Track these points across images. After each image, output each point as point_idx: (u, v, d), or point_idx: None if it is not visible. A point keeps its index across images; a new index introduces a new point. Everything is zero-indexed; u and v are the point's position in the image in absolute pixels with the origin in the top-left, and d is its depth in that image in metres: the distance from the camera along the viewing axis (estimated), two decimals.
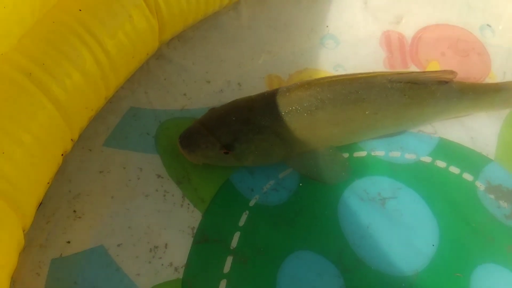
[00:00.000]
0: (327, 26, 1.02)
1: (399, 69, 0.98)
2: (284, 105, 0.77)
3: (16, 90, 0.59)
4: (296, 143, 0.78)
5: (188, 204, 0.76)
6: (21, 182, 0.59)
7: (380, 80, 0.81)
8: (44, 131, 0.60)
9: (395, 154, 0.86)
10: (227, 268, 0.72)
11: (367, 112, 0.80)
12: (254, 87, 0.91)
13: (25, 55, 0.60)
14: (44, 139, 0.60)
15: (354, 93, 0.79)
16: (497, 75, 0.98)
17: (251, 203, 0.79)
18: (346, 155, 0.86)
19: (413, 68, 0.98)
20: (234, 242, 0.75)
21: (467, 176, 0.85)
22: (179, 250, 0.72)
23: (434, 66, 0.98)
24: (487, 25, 1.05)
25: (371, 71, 0.93)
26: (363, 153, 0.86)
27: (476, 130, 0.90)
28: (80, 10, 0.65)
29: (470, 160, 0.87)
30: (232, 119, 0.76)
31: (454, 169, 0.86)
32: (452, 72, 0.86)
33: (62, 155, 0.67)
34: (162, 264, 0.71)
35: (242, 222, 0.76)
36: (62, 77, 0.62)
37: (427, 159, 0.86)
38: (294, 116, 0.76)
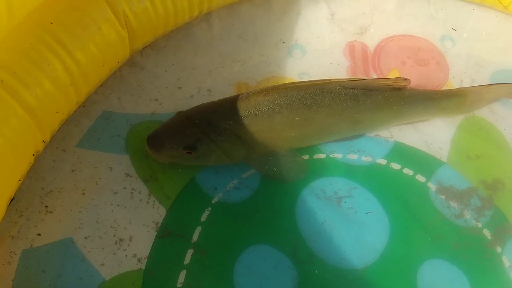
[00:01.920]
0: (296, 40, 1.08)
1: (361, 77, 1.04)
2: (244, 109, 0.83)
3: None
4: (256, 145, 0.84)
5: (154, 201, 0.82)
6: None
7: (334, 86, 0.87)
8: (15, 134, 0.66)
9: (353, 157, 0.92)
10: (187, 260, 0.78)
11: (321, 117, 0.86)
12: (224, 93, 0.96)
13: None
14: (15, 141, 0.66)
15: (309, 98, 0.85)
16: (454, 83, 1.04)
17: (214, 201, 0.84)
18: (306, 157, 0.91)
19: (374, 76, 1.04)
20: (195, 236, 0.80)
21: (420, 178, 0.91)
22: (142, 243, 0.78)
23: (394, 74, 1.04)
24: (448, 35, 1.11)
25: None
26: (322, 155, 0.92)
27: (430, 134, 0.96)
28: (51, 23, 0.71)
29: (424, 162, 0.93)
30: (195, 122, 0.82)
31: (408, 171, 0.91)
32: (405, 79, 0.92)
33: (34, 155, 0.73)
34: (126, 256, 0.76)
35: (203, 218, 0.82)
36: (33, 85, 0.68)
37: (383, 161, 0.92)
38: (253, 120, 0.82)
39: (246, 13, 1.09)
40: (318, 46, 1.07)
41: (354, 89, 0.87)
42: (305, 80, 0.99)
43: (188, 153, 0.81)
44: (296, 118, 0.84)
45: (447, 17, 1.14)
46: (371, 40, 1.09)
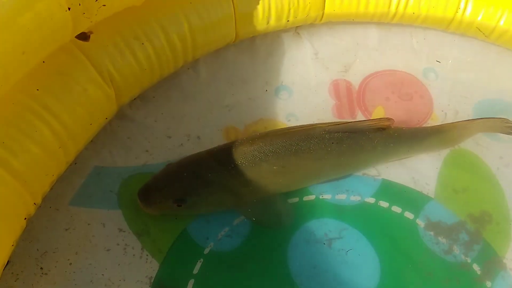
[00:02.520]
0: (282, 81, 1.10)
1: (347, 115, 1.06)
2: (231, 160, 0.85)
3: None
4: (243, 193, 0.86)
5: (147, 255, 0.84)
6: None
7: (318, 131, 0.89)
8: (5, 201, 0.68)
9: (341, 197, 0.94)
10: None
11: (307, 162, 0.88)
12: (212, 139, 0.99)
13: None
14: (5, 208, 0.68)
15: (294, 145, 0.87)
16: (439, 116, 1.06)
17: (206, 251, 0.86)
18: (296, 199, 0.93)
19: (359, 114, 1.06)
20: None
21: (408, 215, 0.92)
22: None
23: (379, 111, 1.06)
24: (431, 68, 1.14)
25: (320, 119, 1.02)
26: (312, 197, 0.94)
27: (417, 170, 0.97)
28: (37, 89, 0.74)
29: (411, 199, 0.94)
30: (183, 175, 0.84)
31: (396, 209, 0.93)
32: (389, 119, 0.93)
33: (25, 218, 0.75)
34: None
35: (196, 270, 0.83)
36: (21, 152, 0.70)
37: (371, 200, 0.94)
38: (240, 169, 0.84)
39: (232, 58, 1.12)
40: (304, 86, 1.10)
41: (338, 132, 0.89)
42: (292, 122, 1.03)
43: (178, 206, 0.82)
44: (282, 165, 0.86)
45: (429, 49, 1.17)
46: (355, 77, 1.11)
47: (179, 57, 0.99)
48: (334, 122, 0.96)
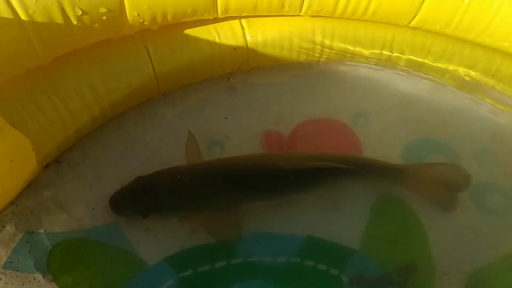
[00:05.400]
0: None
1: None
2: (192, 179, 0.97)
3: None
4: (195, 208, 0.97)
5: None
6: None
7: (263, 156, 1.01)
8: None
9: (268, 259, 0.96)
10: None
11: (244, 184, 0.97)
12: None
13: None
14: None
15: (242, 168, 0.98)
16: None
17: None
18: (223, 263, 0.95)
19: None
20: None
21: (333, 271, 0.95)
22: None
23: None
24: (361, 112, 1.15)
25: None
26: (238, 260, 0.96)
27: (343, 224, 0.99)
28: None
29: (336, 254, 0.96)
30: (150, 191, 0.95)
31: (322, 266, 0.95)
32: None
33: None
34: None
35: None
36: None
37: (297, 259, 0.96)
38: (191, 188, 0.96)
39: (161, 113, 1.13)
40: (237, 139, 1.11)
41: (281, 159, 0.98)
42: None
43: (143, 217, 0.94)
44: (223, 186, 0.96)
45: (361, 96, 1.18)
46: (286, 128, 1.13)
47: (94, 113, 1.00)
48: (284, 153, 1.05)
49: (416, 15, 0.96)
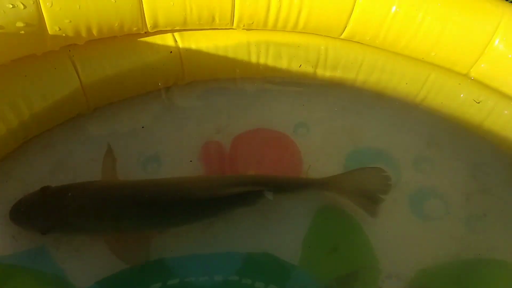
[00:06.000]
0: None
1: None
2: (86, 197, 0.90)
3: None
4: (98, 229, 0.92)
5: None
6: None
7: (171, 181, 0.96)
8: None
9: (204, 278, 0.92)
10: None
11: (158, 207, 0.92)
12: None
13: None
14: None
15: (157, 192, 0.93)
16: (310, 172, 1.07)
17: None
18: (159, 284, 0.91)
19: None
20: None
21: None
22: None
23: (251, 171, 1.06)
24: (303, 122, 1.14)
25: None
26: (175, 281, 0.92)
27: (281, 238, 0.97)
28: None
29: (275, 270, 0.94)
30: (51, 206, 0.89)
31: (260, 284, 0.92)
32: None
33: None
34: None
35: None
36: None
37: (235, 277, 0.93)
38: (94, 207, 0.90)
39: (92, 131, 1.08)
40: (174, 155, 1.07)
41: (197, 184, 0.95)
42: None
43: (42, 234, 0.87)
44: (132, 209, 0.91)
45: (302, 107, 1.17)
46: (227, 139, 1.10)
47: (16, 131, 0.95)
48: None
49: (345, 27, 0.97)
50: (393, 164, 1.09)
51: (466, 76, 1.05)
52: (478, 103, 1.07)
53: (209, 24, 1.00)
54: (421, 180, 1.06)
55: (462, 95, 1.10)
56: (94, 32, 0.94)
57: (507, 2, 0.91)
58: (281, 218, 0.99)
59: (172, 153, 1.08)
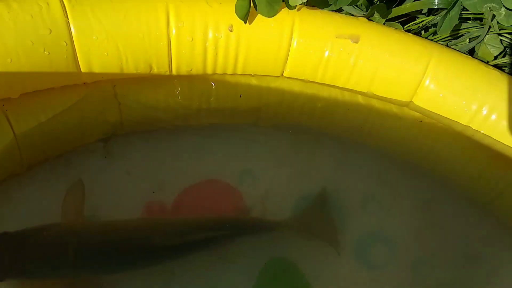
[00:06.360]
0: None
1: None
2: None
3: None
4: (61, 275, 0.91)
5: None
6: None
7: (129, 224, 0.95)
8: None
9: None
10: None
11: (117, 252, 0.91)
12: None
13: None
14: None
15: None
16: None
17: None
18: None
19: None
20: None
21: None
22: None
23: None
24: (248, 169, 1.12)
25: None
26: None
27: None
28: None
29: None
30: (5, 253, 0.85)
31: None
32: None
33: None
34: None
35: None
36: None
37: None
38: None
39: (23, 192, 1.01)
40: (116, 213, 1.02)
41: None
42: None
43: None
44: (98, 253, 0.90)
45: (244, 152, 1.16)
46: (169, 196, 1.06)
47: None
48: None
49: (284, 69, 0.98)
50: (340, 207, 1.07)
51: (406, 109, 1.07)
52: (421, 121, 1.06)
53: (148, 72, 0.98)
54: (367, 222, 1.05)
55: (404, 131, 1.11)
56: (28, 85, 0.91)
57: (435, 43, 0.94)
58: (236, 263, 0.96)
59: (112, 214, 1.03)
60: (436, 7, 0.93)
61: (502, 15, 0.86)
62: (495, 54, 1.00)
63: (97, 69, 0.93)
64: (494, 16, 0.87)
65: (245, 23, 0.88)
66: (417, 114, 1.07)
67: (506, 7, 0.85)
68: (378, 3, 1.02)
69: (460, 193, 1.10)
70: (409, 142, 1.14)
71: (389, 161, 1.15)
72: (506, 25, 0.87)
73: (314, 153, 1.16)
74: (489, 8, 0.86)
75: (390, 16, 0.97)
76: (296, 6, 0.87)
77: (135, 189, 1.06)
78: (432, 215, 1.07)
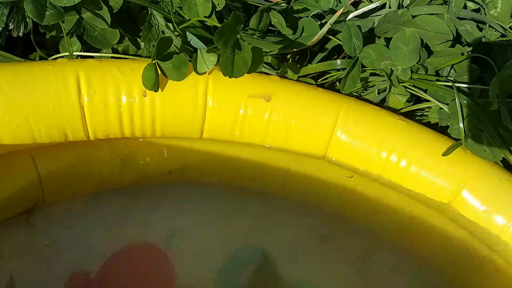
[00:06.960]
0: None
1: None
2: None
3: None
4: None
5: None
6: None
7: None
8: None
9: None
10: None
11: None
12: None
13: None
14: None
15: None
16: None
17: None
18: None
19: None
20: None
21: None
22: None
23: None
24: (174, 232, 1.10)
25: None
26: None
27: None
28: None
29: None
30: None
31: None
32: None
33: None
34: None
35: None
36: None
37: None
38: None
39: None
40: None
41: None
42: None
43: None
44: None
45: (173, 212, 1.14)
46: (95, 266, 1.03)
47: None
48: None
49: (202, 131, 0.99)
50: (271, 263, 1.07)
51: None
52: (351, 177, 1.08)
53: (64, 140, 0.97)
54: (299, 279, 1.04)
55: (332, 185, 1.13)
56: None
57: (344, 95, 0.98)
58: None
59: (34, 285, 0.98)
60: (338, 68, 0.98)
61: (399, 70, 0.91)
62: (404, 101, 1.05)
63: (8, 142, 0.91)
64: (392, 71, 0.92)
65: (156, 91, 0.89)
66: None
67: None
68: (290, 61, 1.06)
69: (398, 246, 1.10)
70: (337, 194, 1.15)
71: (325, 217, 1.16)
72: (404, 79, 0.93)
73: (243, 210, 1.16)
74: (386, 65, 0.91)
75: (301, 74, 1.01)
76: (205, 71, 0.90)
77: (59, 262, 1.03)
78: (368, 271, 1.07)
